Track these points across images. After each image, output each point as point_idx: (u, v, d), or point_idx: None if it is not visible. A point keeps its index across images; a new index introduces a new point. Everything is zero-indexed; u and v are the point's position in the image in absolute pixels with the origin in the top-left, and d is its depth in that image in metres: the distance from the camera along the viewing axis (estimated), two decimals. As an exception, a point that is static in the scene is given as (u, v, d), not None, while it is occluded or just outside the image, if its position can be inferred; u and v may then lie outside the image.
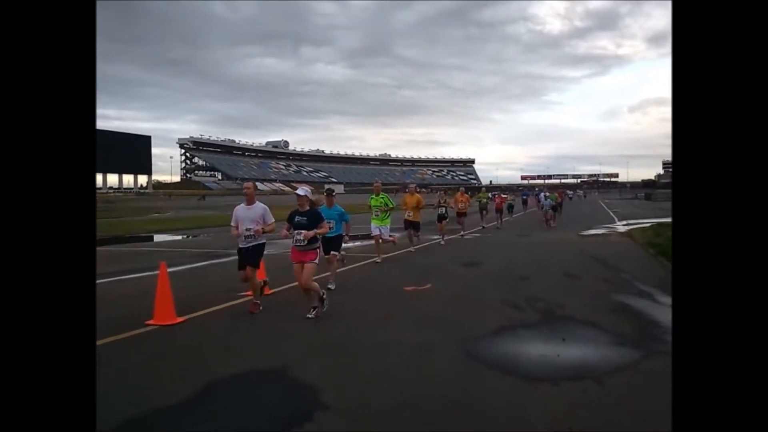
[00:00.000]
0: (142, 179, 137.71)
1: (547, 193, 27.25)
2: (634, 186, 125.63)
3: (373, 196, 12.64)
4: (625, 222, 26.75)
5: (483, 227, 21.97)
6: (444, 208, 16.86)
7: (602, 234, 20.55)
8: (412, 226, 14.24)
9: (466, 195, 20.24)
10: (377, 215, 12.37)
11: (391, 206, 12.47)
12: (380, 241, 12.26)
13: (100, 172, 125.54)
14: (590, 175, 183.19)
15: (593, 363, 5.07)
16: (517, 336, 5.97)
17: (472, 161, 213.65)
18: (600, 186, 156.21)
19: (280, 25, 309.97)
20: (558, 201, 25.90)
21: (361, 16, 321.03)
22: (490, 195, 25.37)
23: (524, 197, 39.41)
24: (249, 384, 4.55)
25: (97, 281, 9.54)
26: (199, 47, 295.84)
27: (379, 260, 12.15)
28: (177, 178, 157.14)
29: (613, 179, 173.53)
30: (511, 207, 28.81)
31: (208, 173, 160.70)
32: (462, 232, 18.88)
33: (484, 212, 23.11)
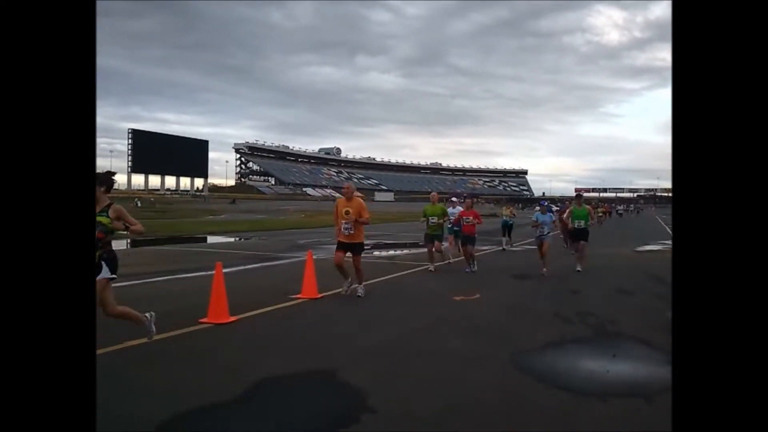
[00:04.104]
0: (199, 182, 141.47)
1: (562, 207, 18.33)
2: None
3: None
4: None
5: (431, 270, 12.07)
6: None
7: (658, 250, 20.00)
8: None
9: (359, 200, 8.81)
10: None
11: None
12: None
13: (158, 173, 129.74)
14: (647, 190, 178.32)
15: (644, 380, 4.97)
16: (566, 350, 5.90)
17: (525, 172, 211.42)
18: (657, 201, 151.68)
19: (337, 33, 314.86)
20: (590, 222, 13.32)
21: (415, 26, 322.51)
22: (452, 210, 13.82)
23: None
24: (297, 384, 4.65)
25: (154, 279, 9.97)
26: (257, 55, 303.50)
27: None
28: (232, 182, 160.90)
29: (671, 194, 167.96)
30: (508, 227, 18.21)
31: (262, 178, 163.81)
32: (343, 288, 8.94)
33: (440, 241, 12.55)
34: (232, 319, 6.75)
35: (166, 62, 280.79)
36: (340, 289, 8.86)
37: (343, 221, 8.61)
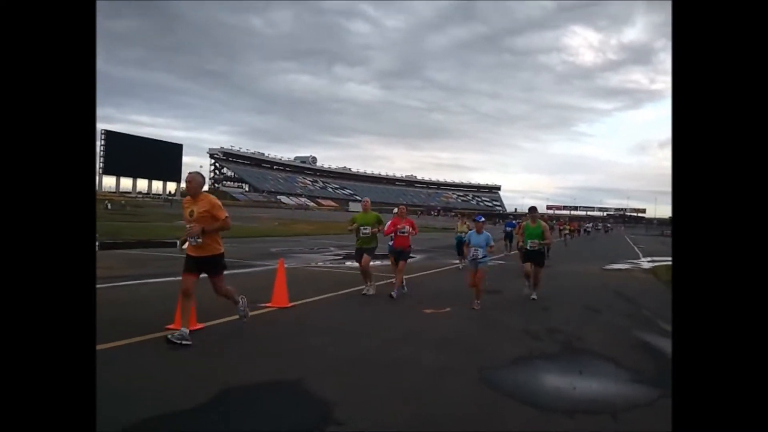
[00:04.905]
0: (171, 186, 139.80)
1: (516, 221, 16.60)
2: (661, 222, 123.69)
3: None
4: (649, 258, 26.41)
5: (366, 294, 10.11)
6: None
7: (626, 269, 20.32)
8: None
9: (209, 198, 6.63)
10: None
11: None
12: None
13: (130, 176, 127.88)
14: (617, 209, 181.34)
15: (610, 398, 5.02)
16: (534, 365, 5.94)
17: (498, 188, 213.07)
18: (626, 220, 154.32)
19: (316, 42, 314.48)
20: (546, 241, 10.91)
21: (395, 38, 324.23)
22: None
23: (508, 229, 23.45)
24: (263, 394, 4.59)
25: (122, 283, 9.78)
26: (236, 61, 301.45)
27: None
28: (205, 188, 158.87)
29: (640, 214, 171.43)
30: (464, 244, 13.01)
31: (236, 184, 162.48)
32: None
33: (371, 255, 10.20)
34: (200, 326, 6.66)
35: (144, 64, 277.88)
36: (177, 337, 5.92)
37: (189, 226, 6.26)
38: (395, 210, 11.19)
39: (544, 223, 11.02)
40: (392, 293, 9.81)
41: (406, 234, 10.24)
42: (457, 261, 16.61)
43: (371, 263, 10.22)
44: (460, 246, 15.41)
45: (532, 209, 11.42)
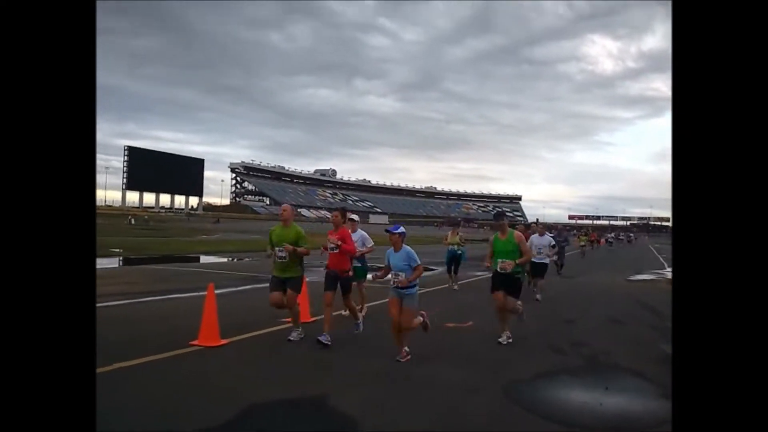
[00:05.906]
0: (193, 200, 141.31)
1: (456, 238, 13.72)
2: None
3: None
4: (675, 268, 26.03)
5: (291, 339, 7.14)
6: None
7: (651, 280, 20.03)
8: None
9: None
10: None
11: None
12: None
13: (153, 191, 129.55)
14: (640, 218, 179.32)
15: (636, 415, 4.94)
16: (558, 381, 5.86)
17: (519, 198, 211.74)
18: (650, 230, 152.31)
19: (335, 57, 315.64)
20: (522, 258, 7.40)
21: (413, 51, 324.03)
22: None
23: None
24: (287, 410, 4.59)
25: (146, 299, 9.88)
26: (255, 75, 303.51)
27: None
28: (227, 201, 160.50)
29: (664, 223, 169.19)
30: (456, 259, 13.80)
31: (257, 198, 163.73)
32: None
33: (296, 289, 7.29)
34: (223, 341, 6.69)
35: (164, 80, 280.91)
36: None
37: None
38: (353, 217, 9.20)
39: (518, 233, 7.73)
40: (320, 337, 6.82)
41: (336, 251, 7.29)
42: (451, 282, 13.94)
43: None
44: (452, 262, 13.75)
45: (498, 215, 7.95)
